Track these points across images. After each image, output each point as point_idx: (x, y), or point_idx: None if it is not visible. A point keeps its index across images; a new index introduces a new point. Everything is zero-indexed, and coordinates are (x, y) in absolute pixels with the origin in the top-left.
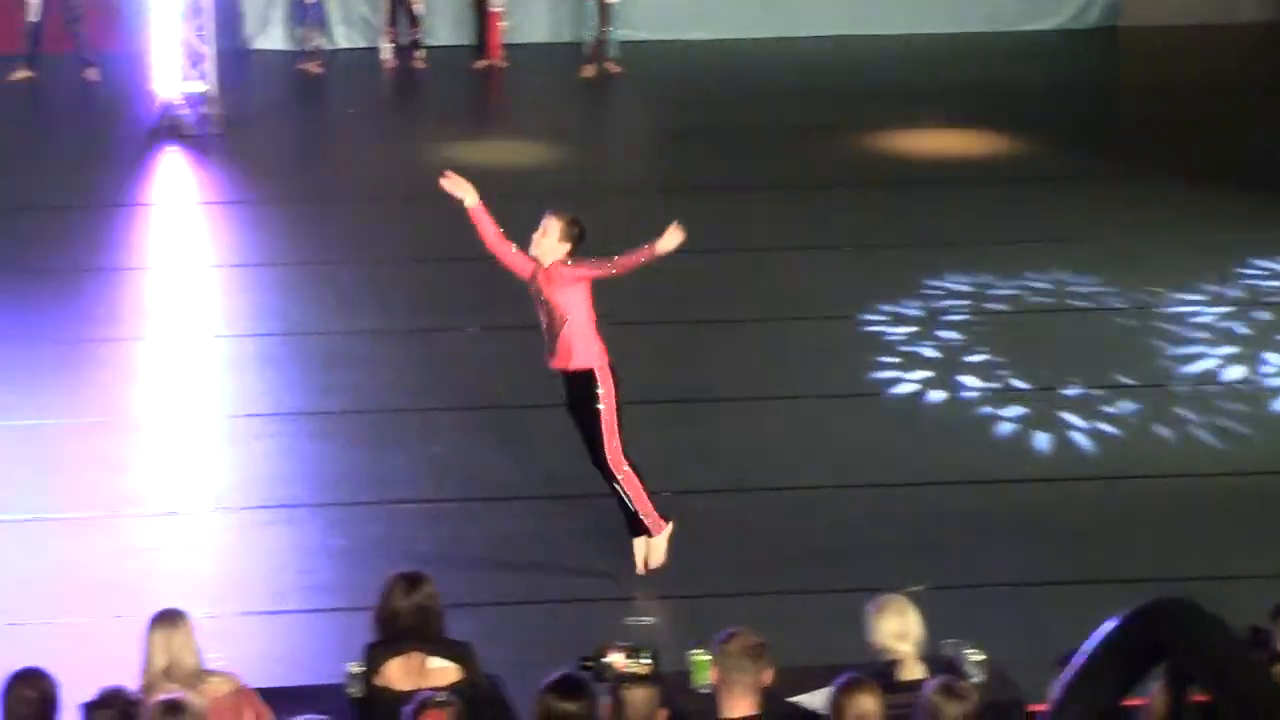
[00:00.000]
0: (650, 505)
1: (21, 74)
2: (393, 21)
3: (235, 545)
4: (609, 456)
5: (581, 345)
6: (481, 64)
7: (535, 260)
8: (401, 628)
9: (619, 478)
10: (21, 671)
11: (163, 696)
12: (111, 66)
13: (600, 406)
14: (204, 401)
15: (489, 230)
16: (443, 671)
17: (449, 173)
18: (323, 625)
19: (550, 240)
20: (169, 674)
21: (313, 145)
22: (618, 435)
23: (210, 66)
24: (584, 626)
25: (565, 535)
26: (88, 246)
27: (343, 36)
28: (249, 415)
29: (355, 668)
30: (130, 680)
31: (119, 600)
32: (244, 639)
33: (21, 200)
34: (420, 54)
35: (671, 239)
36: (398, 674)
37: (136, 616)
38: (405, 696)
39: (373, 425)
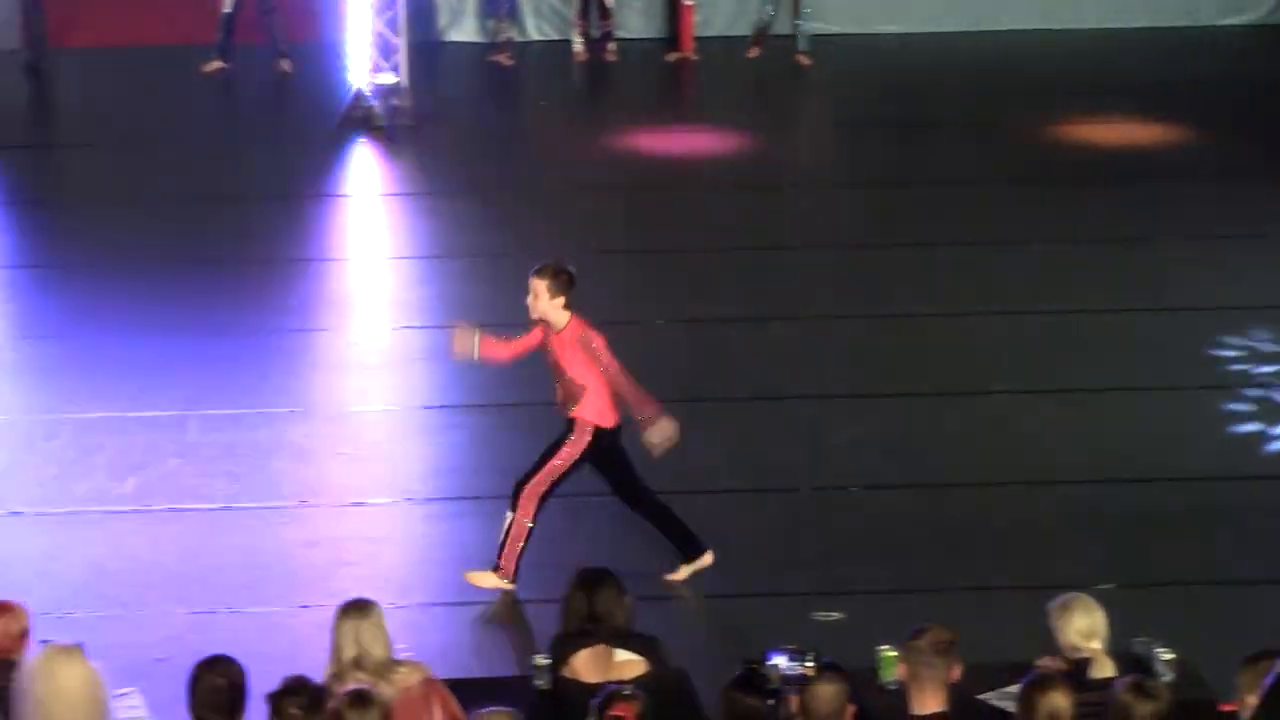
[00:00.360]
0: (516, 558)
1: (215, 65)
2: (584, 14)
3: (422, 536)
4: (528, 490)
5: (589, 404)
6: (673, 57)
7: (542, 324)
8: (589, 621)
9: (519, 513)
10: (210, 659)
11: (351, 687)
12: (304, 58)
13: (560, 452)
14: (392, 392)
15: (503, 354)
16: (630, 664)
17: (457, 328)
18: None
19: (543, 302)
20: (358, 664)
21: (503, 138)
22: (549, 484)
23: (402, 59)
24: (776, 622)
25: (763, 529)
26: (279, 238)
27: (534, 29)
28: (436, 407)
29: (542, 660)
30: (316, 670)
31: (306, 590)
32: (431, 630)
33: (213, 192)
34: (612, 47)
35: (661, 433)
36: (585, 666)
37: (323, 606)
38: (592, 689)
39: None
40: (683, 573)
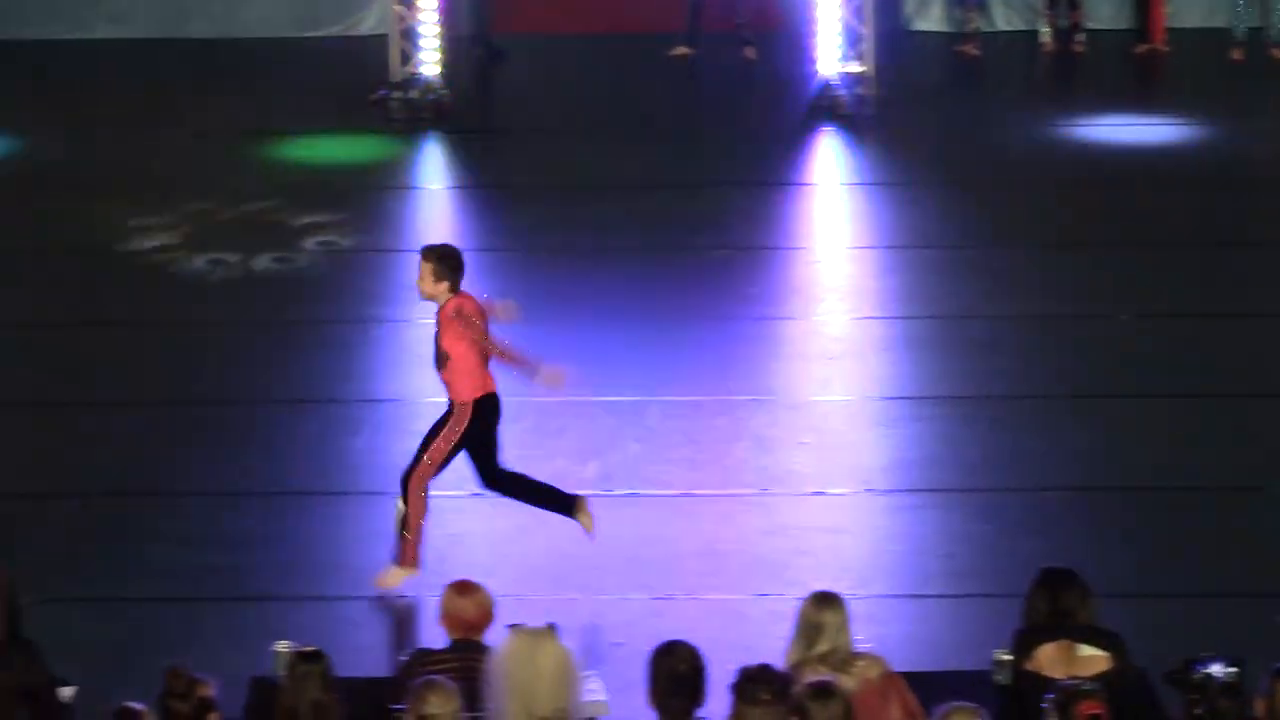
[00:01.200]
0: (416, 547)
1: (681, 51)
2: (1052, 4)
3: (881, 527)
4: (415, 479)
5: (459, 381)
6: (1142, 48)
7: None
8: (1051, 618)
9: (410, 505)
10: (669, 644)
11: (813, 679)
12: (769, 46)
13: (442, 433)
14: (854, 382)
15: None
16: (1093, 660)
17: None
18: (967, 611)
19: (426, 285)
20: (825, 656)
21: (967, 129)
22: (435, 470)
23: (868, 47)
24: (1225, 626)
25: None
26: (743, 225)
27: (1002, 19)
28: (897, 398)
29: (1003, 654)
30: (771, 658)
31: (764, 578)
32: (888, 622)
33: (679, 178)
34: (1080, 38)
35: (553, 378)
36: (1048, 661)
37: (780, 595)
38: (1054, 684)
39: (1020, 410)
40: (586, 521)
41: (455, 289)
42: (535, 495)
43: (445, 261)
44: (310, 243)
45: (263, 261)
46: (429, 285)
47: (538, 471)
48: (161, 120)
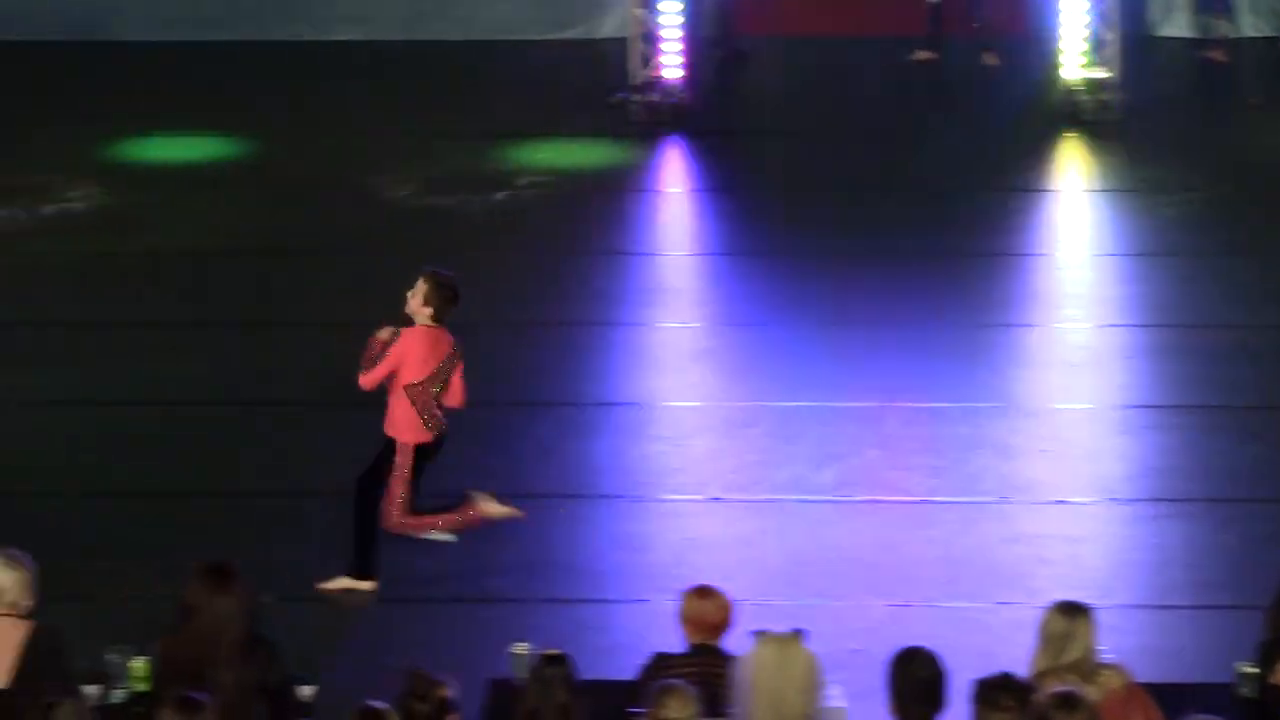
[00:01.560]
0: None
1: (922, 55)
2: None
3: (1123, 537)
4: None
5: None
6: None
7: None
8: None
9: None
10: (909, 650)
11: (1058, 688)
12: (1011, 50)
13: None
14: (1096, 390)
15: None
16: None
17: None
18: (1211, 622)
19: (416, 302)
20: (1074, 666)
21: (1211, 135)
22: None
23: (1113, 52)
24: None
25: None
26: (984, 230)
27: (1249, 25)
28: (1139, 406)
29: (1248, 667)
30: (1011, 667)
31: (1004, 586)
32: (1131, 632)
33: (919, 183)
34: None
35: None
36: None
37: (1021, 604)
38: None
39: (1267, 421)
40: (338, 584)
41: (438, 320)
42: (361, 533)
43: (440, 291)
44: (546, 243)
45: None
46: (414, 303)
47: (774, 478)
48: (399, 122)
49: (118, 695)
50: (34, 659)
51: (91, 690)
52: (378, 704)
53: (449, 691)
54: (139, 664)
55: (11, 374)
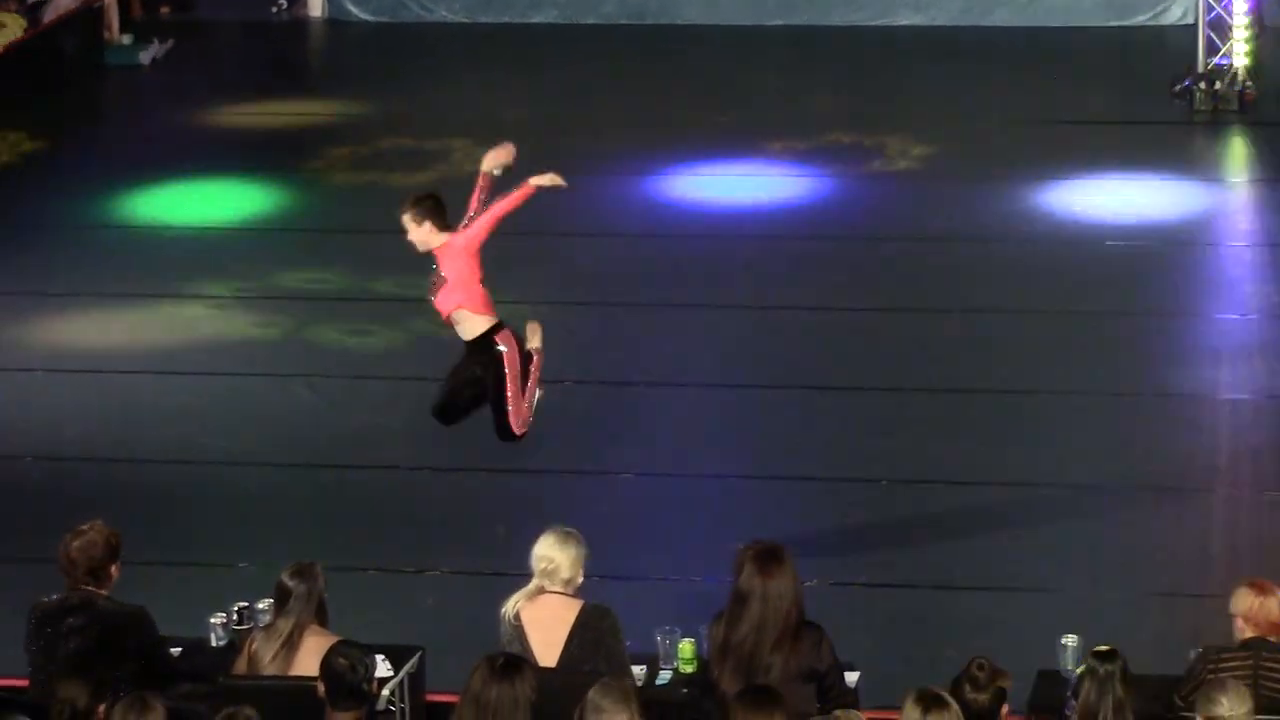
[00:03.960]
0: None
1: None
2: None
3: None
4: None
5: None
6: None
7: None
8: None
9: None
10: None
11: None
12: None
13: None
14: None
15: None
16: None
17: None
18: None
19: (422, 233)
20: None
21: None
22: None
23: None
24: None
25: None
26: None
27: None
28: None
29: None
30: None
31: None
32: None
33: None
34: None
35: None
36: None
37: None
38: None
39: None
40: None
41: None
42: None
43: (422, 205)
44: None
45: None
46: (421, 234)
47: None
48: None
49: (664, 676)
50: (583, 638)
51: (638, 670)
52: (938, 690)
53: (1008, 682)
54: (686, 645)
55: None
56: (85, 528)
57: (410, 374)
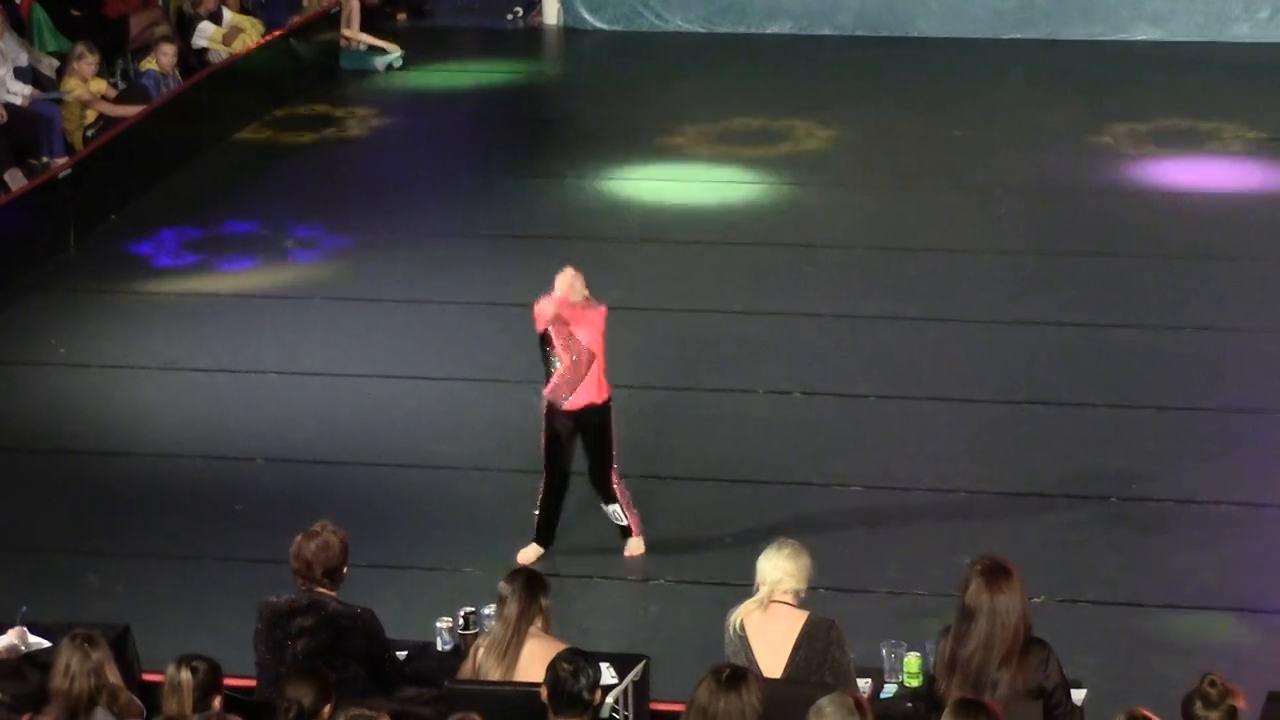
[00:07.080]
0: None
1: None
2: None
3: None
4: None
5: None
6: None
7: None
8: None
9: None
10: None
11: None
12: None
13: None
14: None
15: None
16: None
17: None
18: None
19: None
20: None
21: None
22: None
23: None
24: None
25: None
26: None
27: None
28: None
29: None
30: None
31: None
32: None
33: None
34: None
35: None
36: None
37: None
38: None
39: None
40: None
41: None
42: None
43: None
44: None
45: None
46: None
47: None
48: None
49: (888, 690)
50: (809, 650)
51: (863, 683)
52: (1145, 712)
53: (1240, 702)
54: (912, 660)
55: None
56: (317, 529)
57: (638, 383)
